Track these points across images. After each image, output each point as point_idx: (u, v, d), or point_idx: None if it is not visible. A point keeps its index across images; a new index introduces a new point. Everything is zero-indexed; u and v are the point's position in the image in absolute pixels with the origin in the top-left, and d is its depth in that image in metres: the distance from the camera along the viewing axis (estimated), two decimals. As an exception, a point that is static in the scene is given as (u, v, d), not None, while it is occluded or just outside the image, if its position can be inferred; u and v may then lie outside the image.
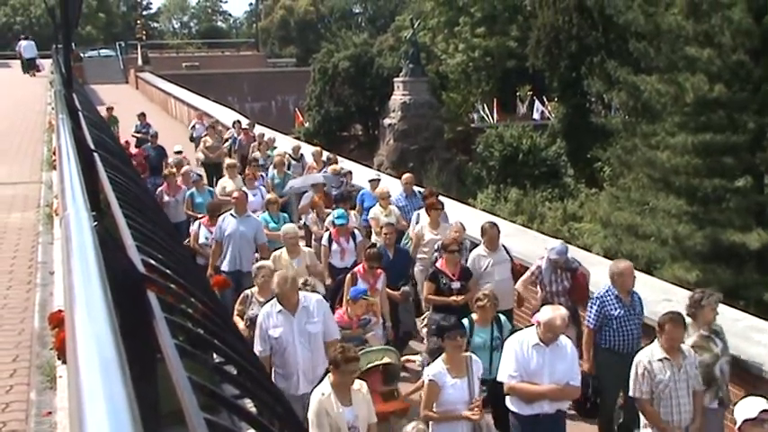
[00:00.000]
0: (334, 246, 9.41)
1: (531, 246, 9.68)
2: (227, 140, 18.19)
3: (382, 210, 10.64)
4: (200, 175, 13.52)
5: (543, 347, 5.82)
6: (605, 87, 27.47)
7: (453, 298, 7.92)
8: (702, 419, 5.92)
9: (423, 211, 10.20)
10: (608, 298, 6.86)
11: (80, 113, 5.11)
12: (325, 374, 5.56)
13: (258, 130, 18.79)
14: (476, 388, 5.87)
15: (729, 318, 6.99)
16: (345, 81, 39.94)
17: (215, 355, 1.74)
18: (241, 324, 7.07)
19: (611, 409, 7.09)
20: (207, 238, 9.81)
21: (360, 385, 5.48)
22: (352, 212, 10.76)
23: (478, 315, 6.86)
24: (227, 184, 12.74)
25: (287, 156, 14.88)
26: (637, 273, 7.36)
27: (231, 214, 9.46)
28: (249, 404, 1.79)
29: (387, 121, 36.78)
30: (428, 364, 6.44)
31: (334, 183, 12.60)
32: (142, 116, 20.44)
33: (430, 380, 5.85)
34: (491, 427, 6.30)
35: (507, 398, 6.03)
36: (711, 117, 20.87)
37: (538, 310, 7.30)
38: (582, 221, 29.22)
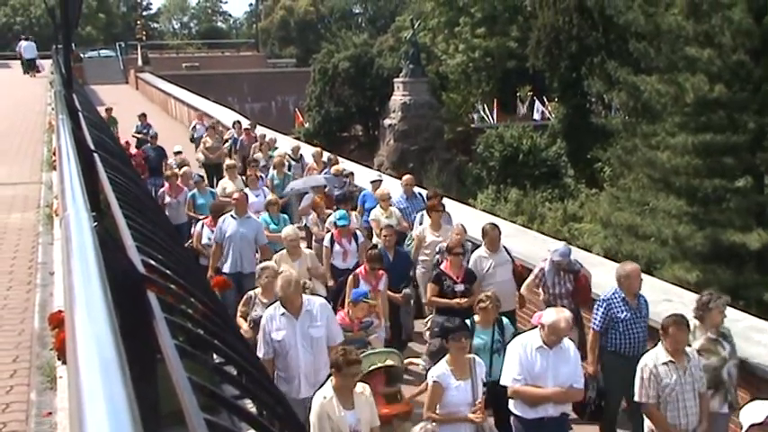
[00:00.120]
0: (337, 247, 9.38)
1: (531, 246, 9.66)
2: (226, 141, 18.19)
3: (383, 211, 10.57)
4: (201, 176, 13.52)
5: (547, 350, 5.77)
6: (605, 88, 27.49)
7: (457, 300, 7.87)
8: (709, 422, 5.88)
9: (426, 213, 10.17)
10: (614, 300, 6.80)
11: (80, 114, 5.11)
12: (328, 378, 5.52)
13: (259, 130, 18.79)
14: (479, 390, 5.84)
15: (730, 318, 6.94)
16: (345, 81, 39.96)
17: (215, 356, 1.74)
18: (245, 325, 7.06)
19: (614, 413, 7.04)
20: (210, 239, 9.80)
21: (363, 388, 5.43)
22: (354, 213, 10.73)
23: (480, 316, 6.82)
24: (227, 185, 12.73)
25: (287, 156, 14.87)
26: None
27: (231, 216, 9.43)
28: (249, 404, 1.79)
29: (387, 122, 36.79)
30: (430, 367, 6.42)
31: (337, 183, 12.57)
32: (143, 117, 20.43)
33: (434, 381, 5.81)
34: (493, 429, 6.27)
35: (511, 402, 5.98)
36: (712, 117, 20.88)
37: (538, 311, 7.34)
38: (582, 222, 29.23)
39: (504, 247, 8.56)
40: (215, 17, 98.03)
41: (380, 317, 7.74)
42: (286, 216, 11.01)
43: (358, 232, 9.83)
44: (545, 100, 41.07)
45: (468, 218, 10.70)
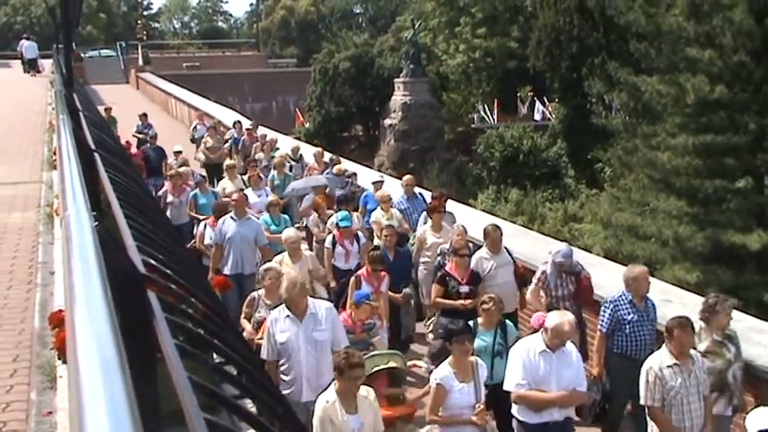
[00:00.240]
0: (339, 248, 9.33)
1: (532, 247, 9.63)
2: (227, 141, 18.19)
3: (383, 213, 10.51)
4: (203, 176, 13.49)
5: (550, 354, 5.72)
6: (606, 88, 27.50)
7: (461, 302, 7.82)
8: (713, 425, 5.86)
9: (427, 214, 10.12)
10: (621, 302, 6.77)
11: (81, 113, 5.11)
12: (331, 382, 5.45)
13: (260, 131, 18.79)
14: (482, 392, 5.82)
15: (730, 319, 6.98)
16: (346, 81, 39.97)
17: (215, 355, 1.74)
18: (248, 326, 7.03)
19: (618, 415, 7.00)
20: (212, 239, 9.78)
21: (367, 392, 5.37)
22: (356, 215, 10.70)
23: (483, 318, 6.77)
24: (227, 185, 12.72)
25: (287, 157, 14.86)
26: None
27: (231, 217, 9.39)
28: (249, 404, 1.79)
29: (387, 122, 36.80)
30: (431, 368, 6.40)
31: (339, 183, 12.54)
32: (143, 116, 20.43)
33: (437, 384, 5.78)
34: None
35: (514, 407, 5.93)
36: (712, 118, 20.88)
37: (538, 312, 7.32)
38: (582, 222, 29.22)
39: (506, 248, 8.50)
40: (216, 17, 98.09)
41: (383, 319, 7.69)
42: (287, 217, 10.96)
43: (360, 233, 9.79)
44: (545, 100, 41.06)
45: (468, 218, 10.69)
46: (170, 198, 12.03)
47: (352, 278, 8.19)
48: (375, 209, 10.86)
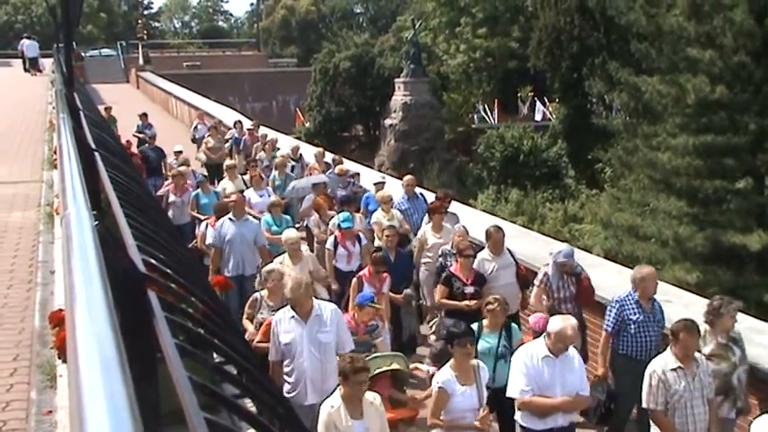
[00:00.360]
0: (340, 249, 9.28)
1: (533, 247, 9.60)
2: (227, 141, 18.19)
3: (384, 214, 10.45)
4: (205, 176, 13.46)
5: (553, 359, 5.67)
6: (606, 88, 27.49)
7: (466, 302, 7.79)
8: (718, 429, 5.83)
9: (428, 214, 10.08)
10: (628, 302, 6.73)
11: (81, 113, 5.11)
12: (337, 387, 5.38)
13: (261, 130, 18.79)
14: (484, 396, 5.78)
15: (731, 320, 6.97)
16: (346, 81, 39.98)
17: (215, 355, 1.74)
18: (251, 327, 7.00)
19: (624, 417, 6.95)
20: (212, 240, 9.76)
21: (373, 398, 5.28)
22: (357, 215, 10.66)
23: (488, 319, 6.73)
24: (227, 185, 12.71)
25: (288, 157, 14.85)
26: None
27: (230, 218, 9.38)
28: (249, 404, 1.79)
29: (387, 122, 36.80)
30: (432, 370, 6.37)
31: (341, 183, 12.52)
32: (144, 116, 20.41)
33: (439, 387, 5.73)
34: (498, 435, 6.24)
35: (518, 413, 5.87)
36: (712, 118, 20.88)
37: (535, 312, 7.30)
38: (582, 222, 29.22)
39: (508, 249, 8.44)
40: (216, 16, 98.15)
41: (385, 320, 7.64)
42: (289, 218, 10.93)
43: (361, 234, 9.74)
44: (546, 100, 41.07)
45: (468, 218, 10.67)
46: (172, 198, 12.02)
47: (355, 279, 8.15)
48: (376, 210, 10.84)
